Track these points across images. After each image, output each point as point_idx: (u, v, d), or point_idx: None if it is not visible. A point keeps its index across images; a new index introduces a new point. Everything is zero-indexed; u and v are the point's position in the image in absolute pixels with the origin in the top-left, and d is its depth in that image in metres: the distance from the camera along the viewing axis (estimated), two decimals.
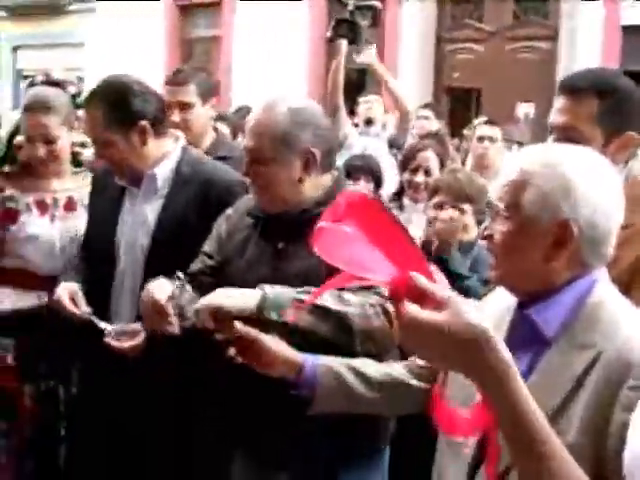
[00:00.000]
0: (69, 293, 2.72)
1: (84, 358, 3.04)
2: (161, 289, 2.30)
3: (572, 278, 1.61)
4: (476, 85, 9.97)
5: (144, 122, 2.70)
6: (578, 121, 2.19)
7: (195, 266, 2.52)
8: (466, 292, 2.92)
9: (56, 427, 3.10)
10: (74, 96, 3.20)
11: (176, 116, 3.58)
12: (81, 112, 3.17)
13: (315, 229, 1.45)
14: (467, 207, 3.18)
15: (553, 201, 1.57)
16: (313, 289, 2.13)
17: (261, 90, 9.19)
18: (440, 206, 3.19)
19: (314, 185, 2.35)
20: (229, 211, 2.54)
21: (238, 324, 2.00)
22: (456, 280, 2.95)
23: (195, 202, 2.72)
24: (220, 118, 5.12)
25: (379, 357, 2.16)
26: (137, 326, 2.62)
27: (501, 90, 9.30)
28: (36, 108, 3.02)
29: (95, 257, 2.91)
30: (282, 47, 10.62)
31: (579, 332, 1.55)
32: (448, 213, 3.13)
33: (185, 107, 3.65)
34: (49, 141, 3.03)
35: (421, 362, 1.93)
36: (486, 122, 5.59)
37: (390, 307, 2.13)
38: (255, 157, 2.30)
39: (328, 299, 2.15)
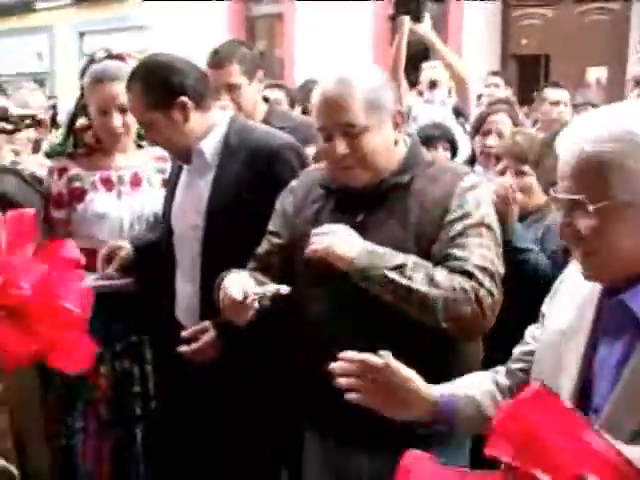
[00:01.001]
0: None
1: (157, 337, 3.05)
2: (236, 286, 2.22)
3: None
4: (545, 51, 9.73)
5: (184, 98, 2.66)
6: None
7: (262, 248, 2.47)
8: (526, 266, 2.82)
9: (132, 407, 3.11)
10: None
11: (225, 96, 3.54)
12: None
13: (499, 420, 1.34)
14: (528, 169, 3.06)
15: None
16: (408, 261, 2.10)
17: (325, 66, 9.13)
18: (503, 172, 3.10)
19: (399, 148, 2.30)
20: (293, 184, 2.47)
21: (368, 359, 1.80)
22: (516, 253, 2.85)
23: (245, 171, 2.68)
24: (276, 86, 5.05)
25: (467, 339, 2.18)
26: (205, 324, 2.60)
27: (571, 55, 9.07)
28: (107, 79, 3.00)
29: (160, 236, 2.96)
30: (345, 23, 10.51)
31: None
32: (501, 180, 3.02)
33: (232, 88, 3.60)
34: (123, 110, 3.01)
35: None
36: (553, 85, 5.50)
37: (482, 293, 2.10)
38: (346, 131, 2.20)
39: (417, 279, 2.09)
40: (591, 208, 1.46)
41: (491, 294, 2.12)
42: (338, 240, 2.13)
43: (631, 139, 1.44)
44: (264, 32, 12.26)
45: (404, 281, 2.09)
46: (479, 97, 5.83)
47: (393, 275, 2.10)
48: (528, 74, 9.64)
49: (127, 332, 3.09)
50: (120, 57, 3.12)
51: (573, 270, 1.73)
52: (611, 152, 1.44)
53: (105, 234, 3.04)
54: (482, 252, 2.15)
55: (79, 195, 3.08)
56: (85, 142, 3.16)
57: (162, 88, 2.65)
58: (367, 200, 2.26)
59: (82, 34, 14.62)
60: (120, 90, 2.95)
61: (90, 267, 2.95)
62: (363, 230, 2.22)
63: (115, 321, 3.05)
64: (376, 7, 10.49)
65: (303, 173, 2.52)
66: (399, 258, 2.12)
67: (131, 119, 3.01)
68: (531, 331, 1.88)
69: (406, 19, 4.85)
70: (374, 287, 2.13)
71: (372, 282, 2.12)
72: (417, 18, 4.82)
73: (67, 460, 3.11)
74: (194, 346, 2.57)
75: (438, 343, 2.18)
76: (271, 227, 2.47)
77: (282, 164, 2.66)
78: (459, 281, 2.10)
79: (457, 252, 2.14)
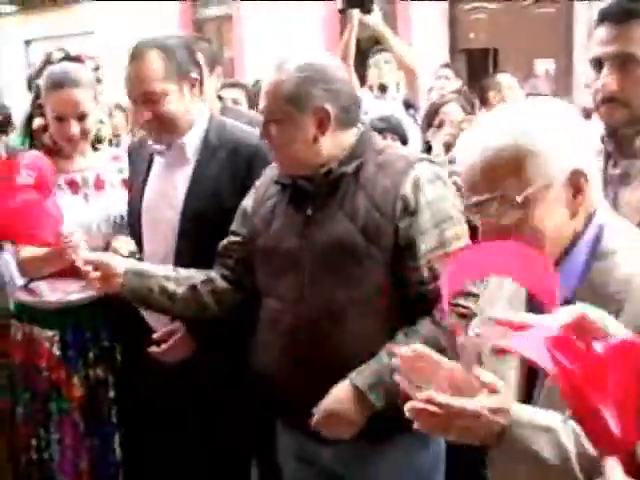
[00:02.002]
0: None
1: (127, 342, 3.02)
2: None
3: (583, 228, 1.59)
4: (492, 45, 9.85)
5: (195, 74, 2.67)
6: (633, 46, 2.06)
7: (222, 244, 2.49)
8: None
9: (108, 414, 3.05)
10: (93, 70, 3.07)
11: None
12: (101, 87, 3.08)
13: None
14: None
15: (557, 157, 1.54)
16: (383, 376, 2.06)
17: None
18: (453, 161, 3.13)
19: (335, 144, 2.21)
20: (257, 183, 2.48)
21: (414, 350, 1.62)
22: None
23: (225, 170, 2.66)
24: (235, 85, 4.99)
25: None
26: (176, 325, 2.63)
27: (519, 48, 9.20)
28: (66, 84, 2.89)
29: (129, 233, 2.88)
30: (295, 20, 10.52)
31: (597, 284, 1.53)
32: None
33: None
34: (81, 117, 2.92)
35: None
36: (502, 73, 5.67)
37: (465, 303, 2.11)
38: (268, 118, 2.22)
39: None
40: (518, 199, 1.53)
41: (473, 294, 2.10)
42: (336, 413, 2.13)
43: (535, 127, 1.55)
44: (213, 34, 12.21)
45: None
46: (430, 90, 5.87)
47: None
48: (477, 67, 9.74)
49: (99, 339, 3.03)
50: (78, 59, 3.03)
51: None
52: (519, 145, 1.53)
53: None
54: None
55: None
56: (43, 143, 3.06)
57: (180, 60, 2.63)
58: (316, 193, 2.24)
59: (28, 42, 14.43)
60: (80, 97, 2.89)
61: (65, 273, 2.85)
62: (313, 224, 2.22)
63: (86, 329, 3.01)
64: (327, 3, 10.53)
65: (264, 171, 2.51)
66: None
67: (89, 124, 2.95)
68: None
69: (355, 12, 4.83)
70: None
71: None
72: (367, 10, 4.80)
73: (41, 473, 3.04)
74: (164, 346, 2.58)
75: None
76: (232, 226, 2.48)
77: (261, 161, 2.63)
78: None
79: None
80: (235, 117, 3.60)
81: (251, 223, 2.40)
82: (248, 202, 2.45)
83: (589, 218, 1.59)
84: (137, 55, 2.62)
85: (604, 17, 2.14)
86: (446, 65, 6.85)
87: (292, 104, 2.17)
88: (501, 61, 9.54)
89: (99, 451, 3.05)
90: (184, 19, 12.18)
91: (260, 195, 2.42)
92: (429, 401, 1.46)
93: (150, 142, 2.74)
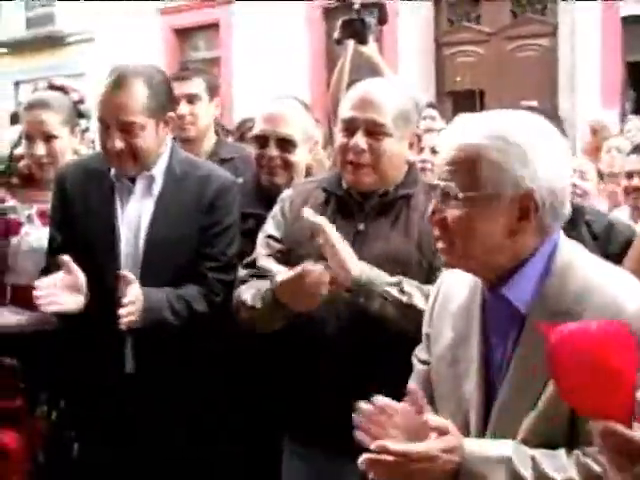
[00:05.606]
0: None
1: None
2: None
3: (537, 245, 1.60)
4: (478, 87, 9.93)
5: (172, 114, 2.67)
6: None
7: (263, 250, 2.43)
8: None
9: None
10: (77, 103, 3.08)
11: (184, 107, 3.54)
12: (84, 122, 3.10)
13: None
14: None
15: (513, 173, 1.54)
16: (403, 281, 2.16)
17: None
18: None
19: (402, 170, 2.38)
20: (288, 193, 2.49)
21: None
22: None
23: (191, 199, 2.65)
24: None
25: None
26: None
27: (504, 90, 9.27)
28: (35, 106, 2.94)
29: (97, 264, 2.66)
30: (282, 62, 10.61)
31: (551, 300, 1.56)
32: None
33: (192, 99, 3.62)
34: (48, 139, 2.92)
35: None
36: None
37: None
38: (373, 130, 2.28)
39: (417, 296, 2.15)
40: (460, 195, 1.56)
41: None
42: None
43: (505, 138, 1.55)
44: None
45: (404, 298, 2.15)
46: None
47: (393, 291, 2.14)
48: (464, 109, 9.79)
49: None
50: (62, 88, 3.07)
51: (443, 283, 1.84)
52: (485, 146, 1.56)
53: (39, 269, 2.94)
54: None
55: (15, 227, 2.98)
56: (20, 171, 3.08)
57: (165, 97, 2.64)
58: (369, 209, 2.34)
59: (17, 83, 14.50)
60: (48, 118, 2.91)
61: (23, 303, 2.85)
62: (364, 239, 2.28)
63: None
64: (311, 44, 10.66)
65: (295, 186, 2.55)
66: (392, 277, 2.17)
67: (58, 147, 2.93)
68: (416, 355, 1.91)
69: (351, 42, 4.83)
70: (375, 303, 2.15)
71: (374, 298, 2.15)
72: (362, 41, 4.80)
73: None
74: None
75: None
76: (271, 231, 2.45)
77: (229, 196, 2.67)
78: None
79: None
80: (234, 151, 3.69)
81: (292, 230, 2.40)
82: (285, 208, 2.45)
83: (544, 236, 1.60)
84: (122, 81, 2.56)
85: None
86: (431, 105, 6.86)
87: (403, 121, 2.31)
88: (487, 103, 9.61)
89: None
90: (171, 62, 12.26)
91: (298, 204, 2.41)
92: (383, 451, 1.51)
93: (114, 172, 2.67)
